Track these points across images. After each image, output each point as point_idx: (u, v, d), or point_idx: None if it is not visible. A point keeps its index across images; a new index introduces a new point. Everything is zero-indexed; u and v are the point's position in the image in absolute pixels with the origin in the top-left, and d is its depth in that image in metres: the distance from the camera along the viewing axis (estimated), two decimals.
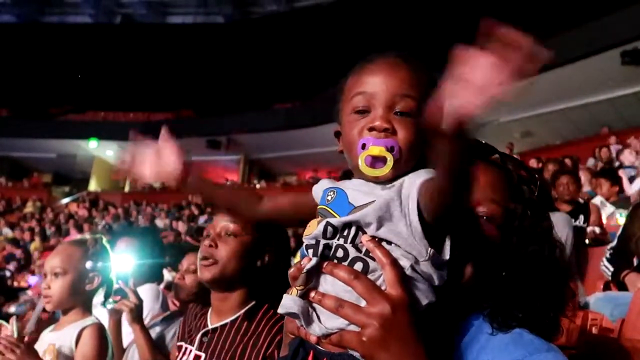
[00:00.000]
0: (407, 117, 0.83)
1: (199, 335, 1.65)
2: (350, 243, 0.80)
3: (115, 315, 2.29)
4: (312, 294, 0.79)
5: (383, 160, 0.80)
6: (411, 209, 0.77)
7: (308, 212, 0.95)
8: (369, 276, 0.77)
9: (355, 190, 0.85)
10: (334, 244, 0.80)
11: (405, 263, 0.77)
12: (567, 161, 8.00)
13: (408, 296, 0.75)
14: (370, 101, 0.85)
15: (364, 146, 0.83)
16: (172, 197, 19.65)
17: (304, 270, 0.81)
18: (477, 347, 0.83)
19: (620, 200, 5.10)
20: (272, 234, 1.65)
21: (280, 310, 0.82)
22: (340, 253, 0.79)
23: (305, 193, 1.02)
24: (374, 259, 0.77)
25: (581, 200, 4.85)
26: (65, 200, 21.78)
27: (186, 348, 1.69)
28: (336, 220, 0.82)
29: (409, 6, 19.05)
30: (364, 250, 0.78)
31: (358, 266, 0.78)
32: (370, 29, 18.12)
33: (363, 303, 0.75)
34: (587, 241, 4.22)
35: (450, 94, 0.62)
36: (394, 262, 0.75)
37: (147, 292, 2.70)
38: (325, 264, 0.79)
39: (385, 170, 0.80)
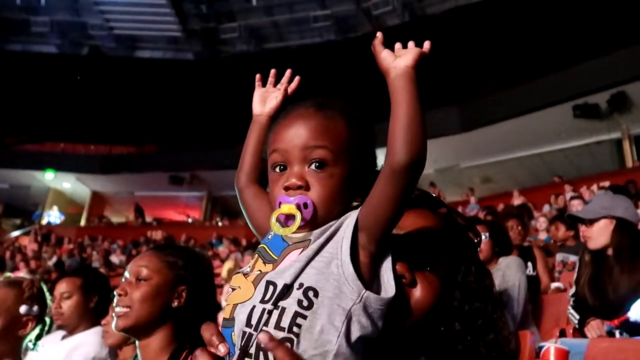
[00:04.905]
0: (321, 169, 0.83)
1: None
2: (298, 304, 0.76)
3: None
4: None
5: (293, 217, 0.80)
6: (344, 249, 0.77)
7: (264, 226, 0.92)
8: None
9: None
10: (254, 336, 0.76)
11: (332, 341, 0.73)
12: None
13: None
14: (285, 157, 0.85)
15: (280, 205, 0.83)
16: (129, 233, 19.05)
17: None
18: None
19: (575, 245, 5.24)
20: (186, 271, 1.62)
21: None
22: (261, 337, 0.75)
23: None
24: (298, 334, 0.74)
25: (526, 244, 4.89)
26: (15, 233, 20.76)
27: None
28: (272, 275, 0.79)
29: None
30: (287, 326, 0.75)
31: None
32: (337, 74, 18.55)
33: None
34: (542, 289, 4.25)
35: None
36: None
37: (94, 337, 2.51)
38: None
39: (293, 228, 0.80)
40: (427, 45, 0.84)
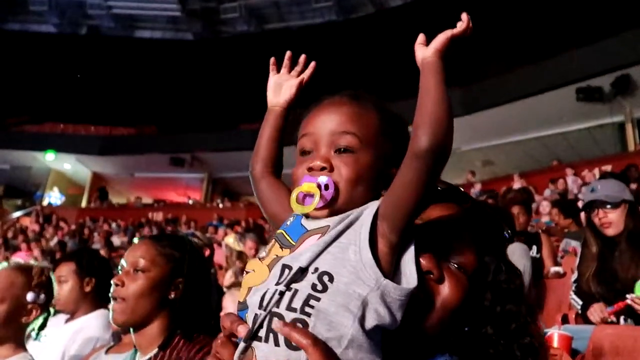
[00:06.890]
0: (347, 153, 0.83)
1: None
2: (312, 288, 0.75)
3: None
4: None
5: (312, 196, 0.80)
6: (362, 236, 0.76)
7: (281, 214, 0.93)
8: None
9: (310, 216, 0.84)
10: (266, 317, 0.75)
11: (346, 324, 0.72)
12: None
13: None
14: (313, 141, 0.86)
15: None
16: (130, 214, 19.08)
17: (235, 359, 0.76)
18: None
19: (579, 230, 5.22)
20: (183, 263, 1.63)
21: None
22: (275, 323, 0.74)
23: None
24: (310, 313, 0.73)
25: (532, 230, 4.86)
26: (17, 214, 20.83)
27: None
28: (288, 259, 0.78)
29: (381, 35, 19.49)
30: (299, 307, 0.73)
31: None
32: (338, 55, 18.39)
33: None
34: (544, 274, 4.24)
35: None
36: (316, 342, 0.70)
37: (97, 320, 2.51)
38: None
39: (311, 207, 0.79)
40: (464, 18, 0.83)
